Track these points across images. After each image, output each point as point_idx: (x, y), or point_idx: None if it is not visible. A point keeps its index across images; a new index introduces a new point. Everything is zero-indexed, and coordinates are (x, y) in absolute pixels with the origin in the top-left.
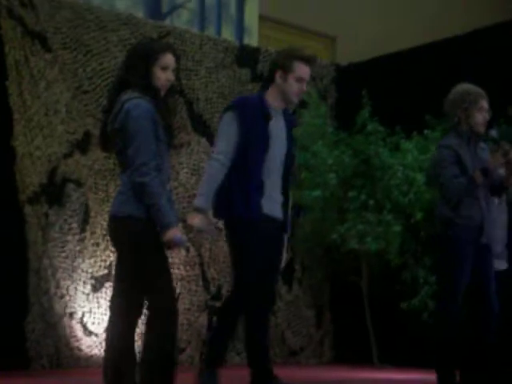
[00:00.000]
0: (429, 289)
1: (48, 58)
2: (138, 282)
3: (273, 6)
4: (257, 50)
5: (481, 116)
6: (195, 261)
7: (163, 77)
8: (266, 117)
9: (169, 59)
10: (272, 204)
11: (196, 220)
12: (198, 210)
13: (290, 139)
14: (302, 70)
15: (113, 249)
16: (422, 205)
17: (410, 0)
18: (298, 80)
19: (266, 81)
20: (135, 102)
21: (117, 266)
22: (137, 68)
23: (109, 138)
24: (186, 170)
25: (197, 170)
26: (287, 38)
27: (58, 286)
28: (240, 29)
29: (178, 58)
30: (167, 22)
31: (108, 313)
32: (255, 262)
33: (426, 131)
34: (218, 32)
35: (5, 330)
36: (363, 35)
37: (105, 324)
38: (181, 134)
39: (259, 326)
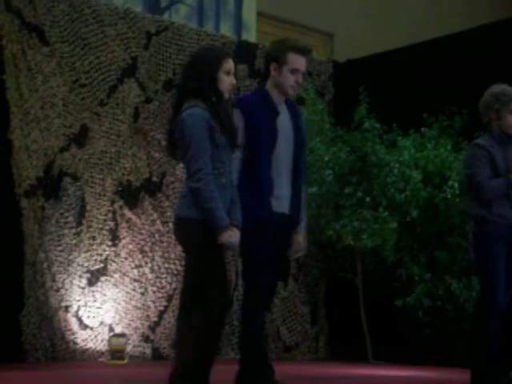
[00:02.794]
0: (424, 286)
1: (45, 52)
2: (195, 278)
3: (271, 3)
4: (255, 46)
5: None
6: None
7: (228, 81)
8: (274, 112)
9: (230, 64)
10: (281, 201)
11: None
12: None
13: (298, 130)
14: (296, 61)
15: (109, 243)
16: (418, 202)
17: None
18: (292, 72)
19: (263, 75)
20: (189, 111)
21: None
22: (202, 74)
23: (176, 146)
24: (182, 165)
25: None
26: (285, 34)
27: (53, 280)
28: (238, 25)
29: (235, 63)
30: (165, 16)
31: (105, 306)
32: (265, 260)
33: (422, 129)
34: (216, 28)
35: (0, 323)
36: (361, 32)
37: (100, 318)
38: None
39: (257, 322)
